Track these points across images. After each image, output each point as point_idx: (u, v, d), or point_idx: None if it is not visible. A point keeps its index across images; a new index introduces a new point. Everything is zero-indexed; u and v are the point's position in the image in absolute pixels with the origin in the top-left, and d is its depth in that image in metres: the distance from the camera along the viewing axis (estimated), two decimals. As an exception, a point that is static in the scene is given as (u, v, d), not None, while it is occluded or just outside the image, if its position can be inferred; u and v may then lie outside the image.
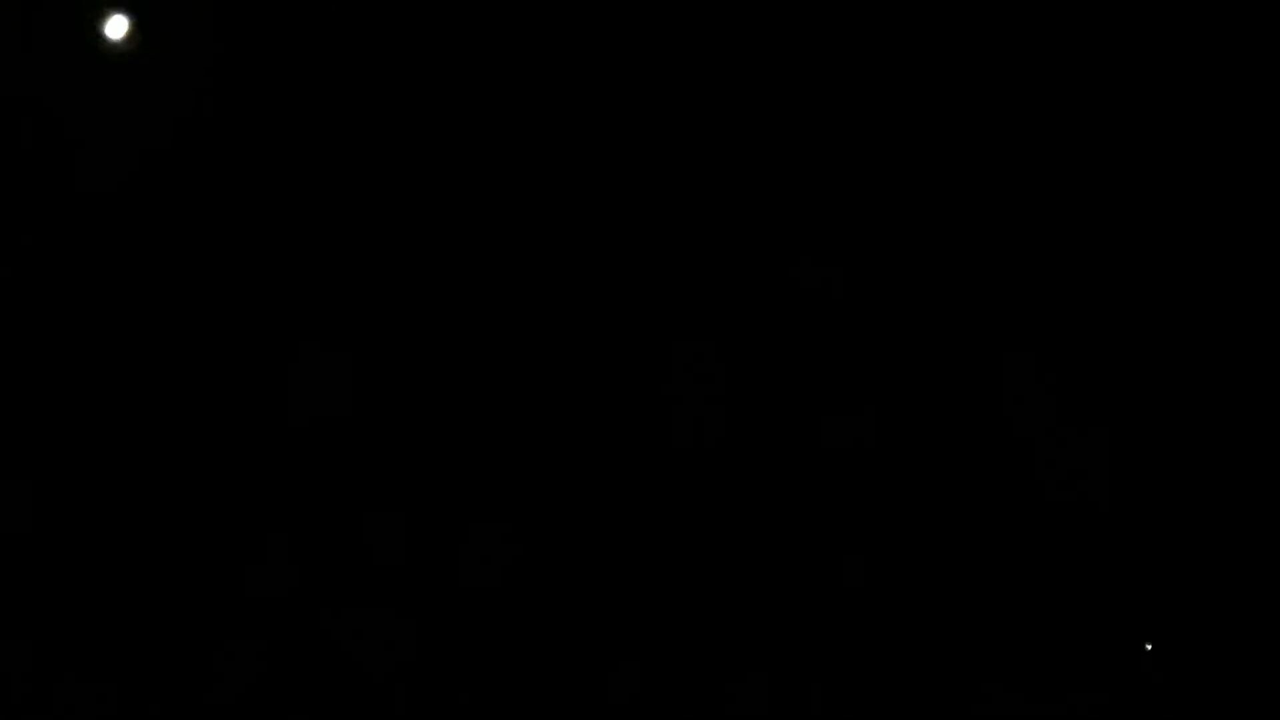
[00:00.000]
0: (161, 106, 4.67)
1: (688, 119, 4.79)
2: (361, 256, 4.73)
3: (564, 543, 4.70)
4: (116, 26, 4.63)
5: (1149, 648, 4.53)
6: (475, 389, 4.73)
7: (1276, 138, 4.68)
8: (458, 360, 4.73)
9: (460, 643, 4.67)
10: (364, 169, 4.73)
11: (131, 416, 4.63)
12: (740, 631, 4.68)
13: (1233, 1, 4.74)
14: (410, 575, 4.66)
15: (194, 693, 4.54)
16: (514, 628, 4.64)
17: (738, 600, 4.69)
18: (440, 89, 4.72)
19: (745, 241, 4.80)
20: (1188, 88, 4.73)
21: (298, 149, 4.71)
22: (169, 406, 4.65)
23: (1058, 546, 4.70)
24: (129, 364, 4.64)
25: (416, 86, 4.72)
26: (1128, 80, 4.76)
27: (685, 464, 4.73)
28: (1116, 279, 4.75)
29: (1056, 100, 4.77)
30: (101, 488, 4.62)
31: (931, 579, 4.68)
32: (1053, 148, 4.77)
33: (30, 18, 4.62)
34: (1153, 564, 4.67)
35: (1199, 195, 4.75)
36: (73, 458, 4.61)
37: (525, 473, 4.72)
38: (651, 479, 4.72)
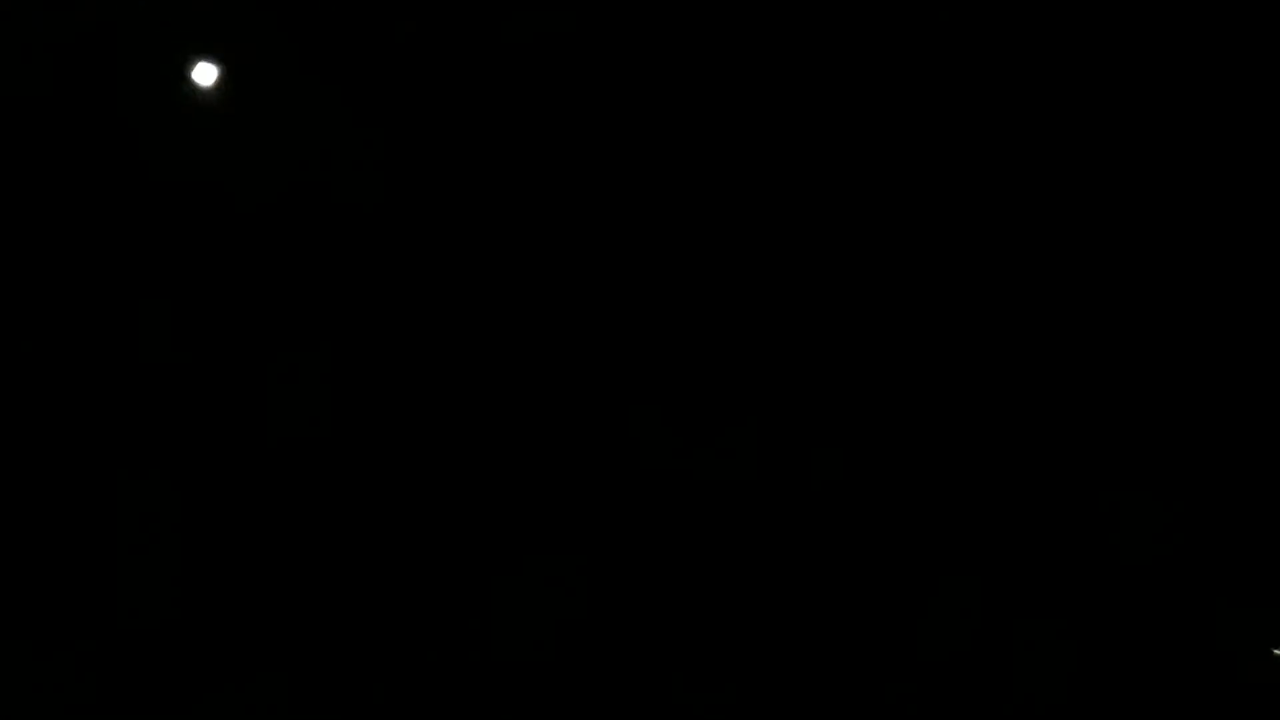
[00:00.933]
0: (247, 151, 4.71)
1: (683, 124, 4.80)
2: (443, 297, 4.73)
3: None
4: (204, 73, 4.69)
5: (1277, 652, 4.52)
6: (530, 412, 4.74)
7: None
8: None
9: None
10: (445, 205, 4.73)
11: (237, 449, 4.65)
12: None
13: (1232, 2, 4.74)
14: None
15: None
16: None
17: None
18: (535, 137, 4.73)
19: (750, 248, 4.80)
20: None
21: (385, 191, 4.72)
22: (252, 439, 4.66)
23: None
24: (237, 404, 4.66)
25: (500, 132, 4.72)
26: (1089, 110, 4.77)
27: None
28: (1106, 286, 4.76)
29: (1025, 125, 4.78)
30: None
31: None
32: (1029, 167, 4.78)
33: (118, 64, 4.64)
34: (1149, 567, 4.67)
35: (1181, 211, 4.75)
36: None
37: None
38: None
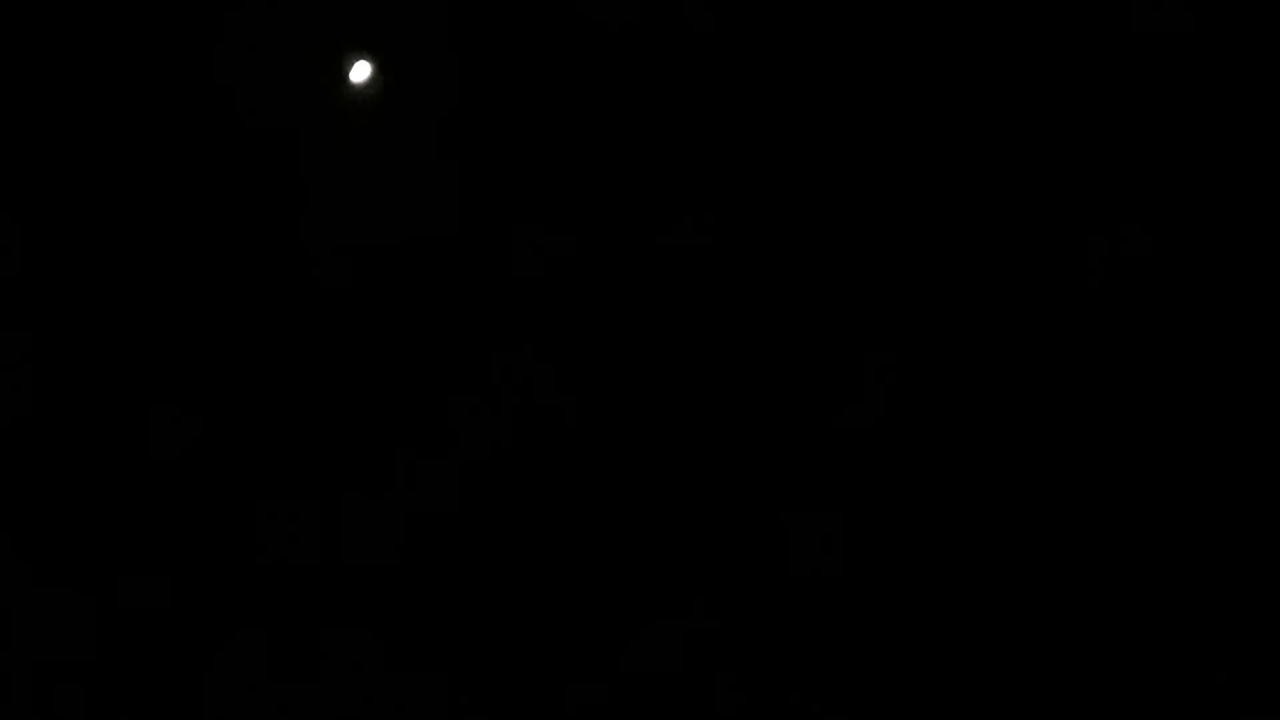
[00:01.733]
0: (402, 150, 4.79)
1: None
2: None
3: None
4: (360, 71, 4.76)
5: None
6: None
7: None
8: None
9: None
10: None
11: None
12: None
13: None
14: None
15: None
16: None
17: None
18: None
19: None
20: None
21: (539, 196, 4.80)
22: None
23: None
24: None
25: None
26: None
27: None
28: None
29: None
30: None
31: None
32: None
33: (274, 63, 4.76)
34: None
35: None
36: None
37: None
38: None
